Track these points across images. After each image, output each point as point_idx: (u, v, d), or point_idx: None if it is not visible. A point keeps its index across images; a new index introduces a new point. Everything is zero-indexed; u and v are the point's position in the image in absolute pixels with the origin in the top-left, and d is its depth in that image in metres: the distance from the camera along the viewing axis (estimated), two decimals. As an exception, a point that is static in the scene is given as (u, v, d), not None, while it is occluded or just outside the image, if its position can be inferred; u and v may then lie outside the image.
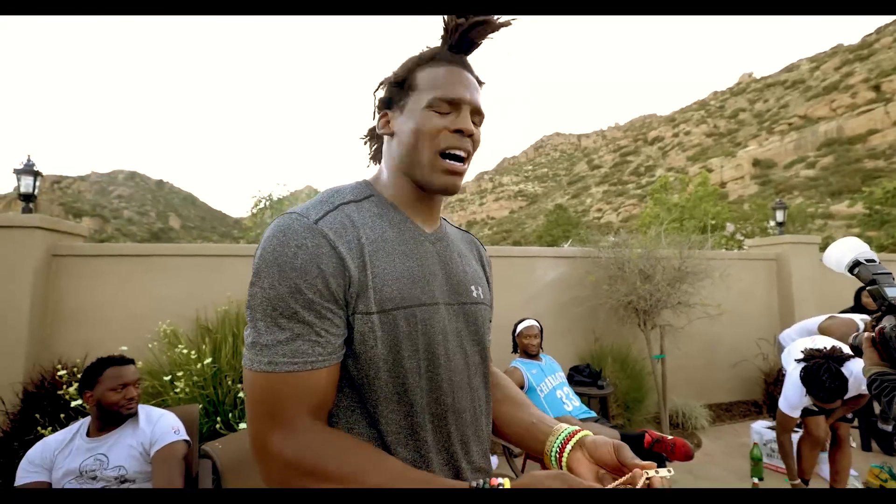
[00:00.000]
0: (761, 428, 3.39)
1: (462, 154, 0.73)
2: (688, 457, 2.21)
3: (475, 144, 0.77)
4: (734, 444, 3.72)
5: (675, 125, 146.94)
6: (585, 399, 3.43)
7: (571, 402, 2.62)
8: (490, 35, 0.77)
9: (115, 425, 1.67)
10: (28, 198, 3.78)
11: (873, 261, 1.32)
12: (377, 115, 0.80)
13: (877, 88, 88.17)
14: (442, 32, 0.76)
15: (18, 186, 3.80)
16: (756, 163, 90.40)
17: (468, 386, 0.76)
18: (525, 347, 2.87)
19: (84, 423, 1.70)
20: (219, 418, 2.59)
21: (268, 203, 8.86)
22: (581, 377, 3.42)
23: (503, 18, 0.75)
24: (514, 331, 2.99)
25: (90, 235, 4.08)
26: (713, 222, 17.41)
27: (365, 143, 0.89)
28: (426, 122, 0.72)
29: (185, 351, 2.72)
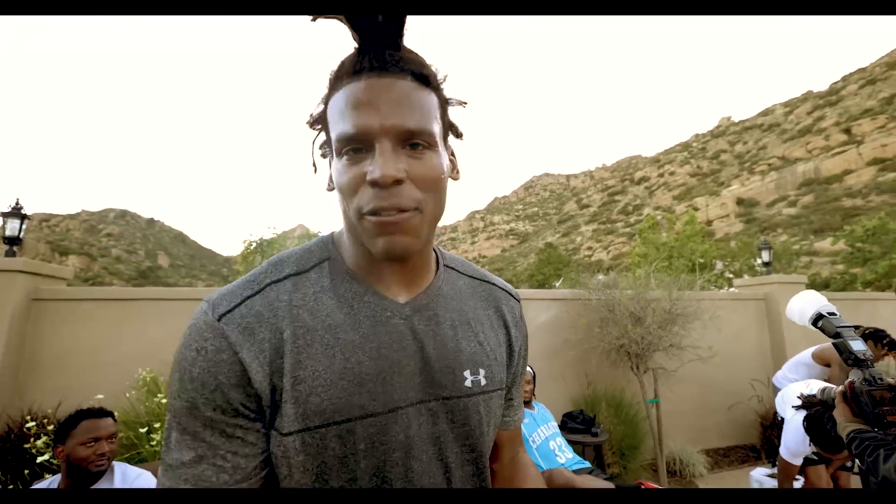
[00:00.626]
0: (761, 476, 3.30)
1: (392, 212, 0.51)
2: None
3: (427, 182, 0.53)
4: (734, 492, 3.60)
5: (660, 166, 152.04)
6: (579, 447, 3.32)
7: (564, 453, 2.54)
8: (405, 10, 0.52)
9: (85, 485, 1.56)
10: (13, 241, 3.73)
11: (834, 314, 1.36)
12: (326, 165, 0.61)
13: (847, 131, 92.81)
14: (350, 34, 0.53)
15: (4, 229, 3.76)
16: (740, 201, 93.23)
17: None
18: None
19: (53, 481, 1.60)
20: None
21: (258, 245, 8.83)
22: (574, 424, 3.33)
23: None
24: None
25: (76, 274, 4.01)
26: (702, 260, 17.67)
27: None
28: (339, 175, 0.53)
29: (164, 400, 2.61)
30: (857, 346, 1.26)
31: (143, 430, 2.50)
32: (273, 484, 0.55)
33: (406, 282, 0.61)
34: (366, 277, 0.59)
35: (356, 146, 0.51)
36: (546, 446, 2.52)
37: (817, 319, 1.38)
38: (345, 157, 0.53)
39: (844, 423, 1.29)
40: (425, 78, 0.54)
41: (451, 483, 0.59)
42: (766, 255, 5.97)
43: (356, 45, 0.53)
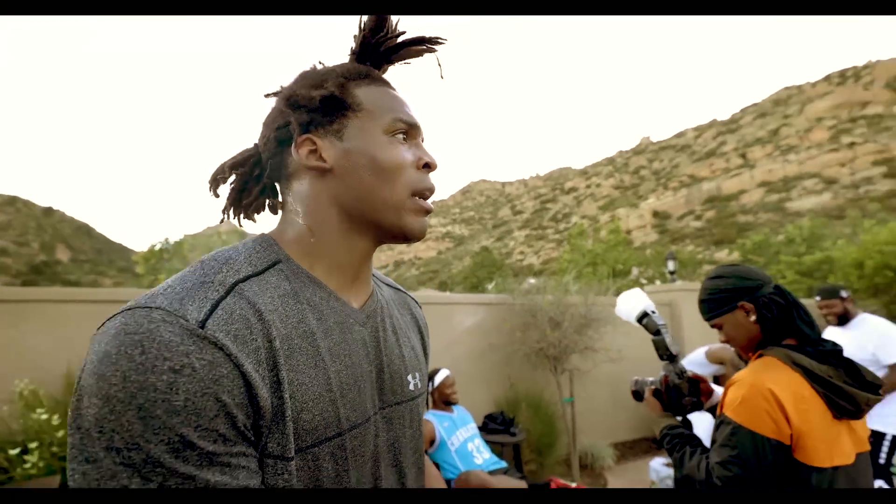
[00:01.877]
0: (658, 465, 3.63)
1: (430, 195, 0.59)
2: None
3: None
4: (636, 481, 3.94)
5: (587, 177, 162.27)
6: (498, 447, 3.45)
7: (482, 454, 2.63)
8: (410, 57, 0.64)
9: None
10: None
11: (654, 311, 1.43)
12: (293, 142, 0.55)
13: (743, 156, 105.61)
14: (357, 46, 0.61)
15: None
16: (655, 213, 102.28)
17: None
18: (446, 397, 2.85)
19: None
20: (82, 497, 2.21)
21: (164, 246, 8.14)
22: (495, 425, 3.46)
23: (432, 39, 0.62)
24: (429, 382, 2.96)
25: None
26: (621, 267, 19.15)
27: (223, 182, 0.61)
28: (393, 153, 0.55)
29: (44, 416, 2.33)
30: (671, 342, 1.38)
31: (14, 452, 2.20)
32: None
33: (358, 287, 0.60)
34: (326, 281, 0.56)
35: (405, 133, 0.58)
36: (465, 448, 2.59)
37: (643, 317, 1.43)
38: (395, 138, 0.57)
39: (657, 419, 1.39)
40: None
41: (403, 483, 0.60)
42: (671, 265, 6.62)
43: (371, 58, 0.62)
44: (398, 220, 0.56)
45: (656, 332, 1.38)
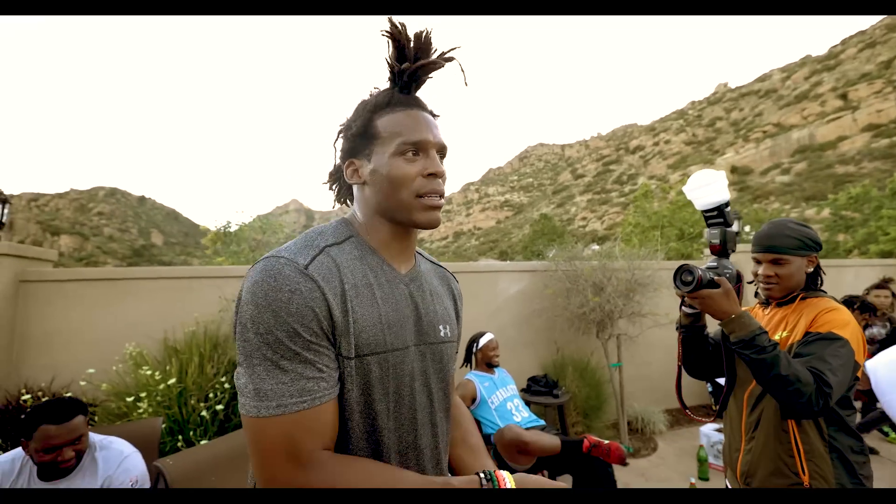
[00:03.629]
0: (709, 430, 3.58)
1: (438, 195, 0.78)
2: (621, 459, 2.38)
3: (445, 180, 0.82)
4: (687, 446, 3.90)
5: (655, 134, 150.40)
6: (542, 408, 3.58)
7: (521, 412, 2.77)
8: (434, 72, 0.81)
9: (62, 475, 1.51)
10: (-3, 225, 3.83)
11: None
12: (343, 164, 0.83)
13: (844, 97, 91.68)
14: (388, 75, 0.81)
15: (-13, 214, 3.85)
16: (734, 169, 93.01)
17: (430, 423, 0.81)
18: (488, 359, 3.02)
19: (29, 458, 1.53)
20: (181, 436, 2.67)
21: (227, 229, 8.91)
22: (538, 387, 3.58)
23: (448, 54, 0.80)
24: (473, 344, 3.13)
25: (69, 254, 4.13)
26: (691, 230, 17.90)
27: (329, 186, 0.92)
28: (398, 170, 0.76)
29: (149, 372, 2.81)
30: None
31: (130, 399, 2.70)
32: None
33: (405, 258, 0.84)
34: (381, 252, 0.81)
35: (415, 150, 0.77)
36: (504, 406, 2.75)
37: (725, 205, 1.38)
38: (402, 158, 0.77)
39: (732, 310, 1.26)
40: (436, 118, 0.85)
41: (432, 403, 0.82)
42: (736, 226, 6.14)
43: (397, 86, 0.81)
44: (409, 216, 0.78)
45: (728, 223, 1.39)
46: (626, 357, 4.23)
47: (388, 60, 0.79)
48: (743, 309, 1.28)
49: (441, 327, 0.85)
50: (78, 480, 1.53)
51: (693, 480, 2.83)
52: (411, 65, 0.78)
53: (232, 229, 8.93)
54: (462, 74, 0.82)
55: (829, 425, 1.29)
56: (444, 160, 0.83)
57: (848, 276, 6.34)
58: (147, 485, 1.65)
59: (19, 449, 1.56)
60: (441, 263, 1.01)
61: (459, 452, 0.93)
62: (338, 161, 0.86)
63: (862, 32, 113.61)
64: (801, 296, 1.43)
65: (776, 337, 1.41)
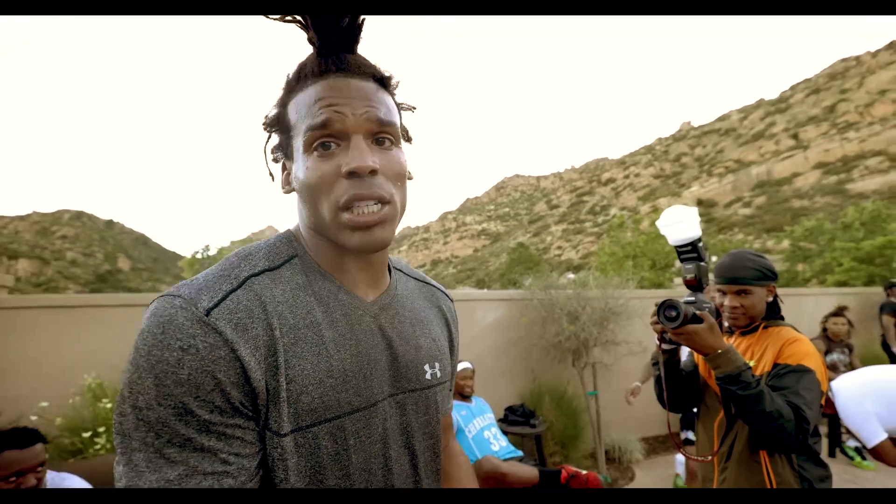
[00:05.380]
0: (684, 459, 3.61)
1: (373, 201, 0.54)
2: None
3: (394, 175, 0.56)
4: (664, 475, 3.91)
5: (625, 167, 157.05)
6: (519, 438, 3.55)
7: (498, 441, 2.74)
8: (362, 16, 0.56)
9: None
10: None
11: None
12: (279, 169, 0.63)
13: (795, 137, 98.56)
14: (306, 36, 0.57)
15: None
16: (700, 202, 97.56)
17: None
18: (460, 389, 3.00)
19: None
20: (141, 476, 2.52)
21: (204, 253, 8.73)
22: (515, 417, 3.56)
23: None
24: (449, 373, 3.10)
25: (26, 279, 3.93)
26: (664, 260, 18.50)
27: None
28: (310, 171, 0.54)
29: (109, 405, 2.66)
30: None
31: (87, 435, 2.54)
32: (266, 486, 0.52)
33: (370, 281, 0.63)
34: (335, 276, 0.59)
35: (326, 141, 0.53)
36: (481, 436, 2.72)
37: (698, 240, 1.41)
38: (315, 154, 0.54)
39: (716, 344, 1.27)
40: (384, 81, 0.59)
41: (416, 468, 0.63)
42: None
43: (314, 47, 0.56)
44: (336, 238, 0.56)
45: (702, 258, 1.41)
46: (601, 385, 4.26)
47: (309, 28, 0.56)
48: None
49: (427, 367, 0.66)
50: None
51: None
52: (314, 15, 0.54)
53: (212, 253, 8.72)
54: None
55: (798, 455, 1.33)
56: (396, 143, 0.58)
57: (808, 304, 6.64)
58: None
59: None
60: (430, 280, 0.80)
61: None
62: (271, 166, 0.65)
63: (807, 80, 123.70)
64: (763, 325, 1.50)
65: None
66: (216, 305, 0.49)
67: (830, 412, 2.68)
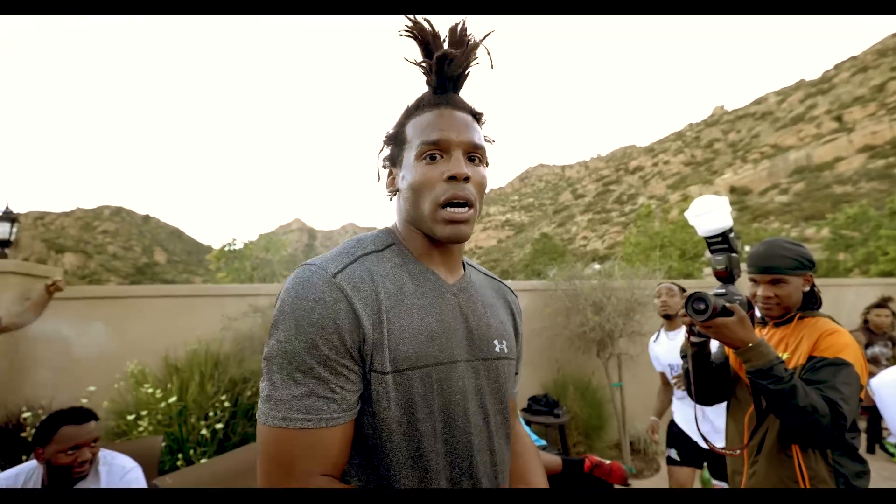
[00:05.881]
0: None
1: (461, 201, 0.70)
2: (623, 479, 2.36)
3: (478, 186, 0.73)
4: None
5: (654, 155, 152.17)
6: (543, 428, 3.56)
7: (521, 430, 2.76)
8: (468, 64, 0.76)
9: (67, 486, 1.55)
10: (4, 244, 3.89)
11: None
12: (385, 174, 0.81)
13: (839, 119, 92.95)
14: (431, 82, 0.76)
15: (-5, 233, 3.91)
16: (733, 189, 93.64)
17: (488, 449, 0.73)
18: None
19: (37, 470, 1.58)
20: (181, 455, 2.67)
21: (231, 246, 9.04)
22: (539, 406, 3.56)
23: (474, 40, 0.74)
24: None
25: (72, 271, 4.18)
26: (694, 250, 17.93)
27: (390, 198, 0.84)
28: (418, 174, 0.71)
29: (150, 390, 2.81)
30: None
31: (131, 418, 2.70)
32: (368, 419, 0.66)
33: (450, 268, 0.78)
34: (424, 261, 0.76)
35: (434, 153, 0.71)
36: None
37: (729, 231, 1.39)
38: (424, 161, 0.72)
39: (748, 338, 1.24)
40: (477, 116, 0.80)
41: (489, 427, 0.74)
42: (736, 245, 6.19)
43: (431, 87, 0.77)
44: (430, 229, 0.72)
45: (733, 249, 1.39)
46: (626, 377, 4.21)
47: (426, 65, 0.75)
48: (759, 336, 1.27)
49: (496, 342, 0.78)
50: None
51: None
52: (431, 60, 0.74)
53: (237, 246, 9.05)
54: (489, 58, 0.77)
55: (833, 450, 1.28)
56: (482, 163, 0.76)
57: (849, 295, 6.34)
58: None
59: (24, 465, 1.61)
60: (496, 276, 0.94)
61: (515, 469, 0.84)
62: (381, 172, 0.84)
63: (854, 58, 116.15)
64: (798, 315, 1.44)
65: None
66: (341, 271, 0.66)
67: (868, 405, 2.58)
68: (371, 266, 0.70)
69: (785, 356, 1.39)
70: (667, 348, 2.81)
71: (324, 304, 0.62)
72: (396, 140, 0.77)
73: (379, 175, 0.83)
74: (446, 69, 0.74)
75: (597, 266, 4.94)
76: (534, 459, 0.88)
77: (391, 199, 0.81)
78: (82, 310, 3.42)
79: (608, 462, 2.39)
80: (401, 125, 0.77)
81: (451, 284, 0.76)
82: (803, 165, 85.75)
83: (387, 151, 0.80)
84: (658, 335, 2.94)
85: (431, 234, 0.72)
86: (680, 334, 2.64)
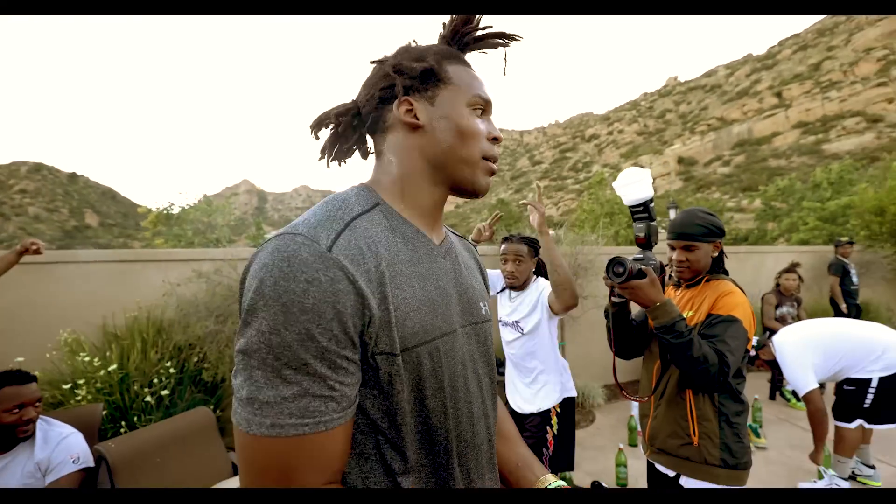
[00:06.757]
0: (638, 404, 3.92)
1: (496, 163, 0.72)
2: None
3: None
4: (623, 417, 4.25)
5: (609, 123, 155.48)
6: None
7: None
8: (484, 46, 0.75)
9: (6, 448, 1.58)
10: None
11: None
12: (396, 101, 0.68)
13: (779, 95, 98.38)
14: (446, 31, 0.74)
15: None
16: (680, 160, 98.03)
17: (483, 415, 0.71)
18: None
19: None
20: (124, 422, 2.62)
21: (168, 210, 8.50)
22: (486, 366, 3.76)
23: (510, 36, 0.74)
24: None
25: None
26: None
27: (325, 127, 0.74)
28: (473, 122, 0.69)
29: (87, 358, 2.71)
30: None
31: (66, 387, 2.60)
32: (376, 403, 0.59)
33: (436, 230, 0.73)
34: (415, 222, 0.69)
35: (483, 110, 0.71)
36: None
37: (650, 201, 1.54)
38: (476, 112, 0.70)
39: (657, 298, 1.41)
40: None
41: (482, 392, 0.72)
42: (671, 214, 6.62)
43: (457, 43, 0.74)
44: (472, 175, 0.69)
45: (652, 218, 1.54)
46: (569, 337, 4.50)
47: (453, 21, 0.73)
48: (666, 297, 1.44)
49: (481, 304, 0.77)
50: (22, 454, 1.59)
51: (621, 446, 3.11)
52: (476, 31, 0.73)
53: (174, 211, 8.51)
54: (505, 63, 0.77)
55: (720, 394, 1.50)
56: None
57: (769, 261, 6.99)
58: (90, 463, 1.67)
59: None
60: (461, 235, 0.91)
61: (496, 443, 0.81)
62: (358, 100, 0.73)
63: (796, 35, 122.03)
64: (706, 278, 1.63)
65: (684, 315, 1.60)
66: (335, 241, 0.55)
67: (770, 358, 2.95)
68: (364, 231, 0.60)
69: (689, 314, 1.58)
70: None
71: (319, 286, 0.51)
72: (429, 74, 0.69)
73: (350, 107, 0.73)
74: (475, 33, 0.73)
75: (552, 232, 5.12)
76: (510, 421, 0.88)
77: (398, 134, 0.70)
78: (6, 276, 3.17)
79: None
80: (437, 63, 0.69)
81: (438, 246, 0.71)
82: (745, 139, 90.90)
83: (400, 80, 0.69)
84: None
85: (469, 179, 0.69)
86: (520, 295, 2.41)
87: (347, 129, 0.74)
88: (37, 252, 2.35)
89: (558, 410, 2.22)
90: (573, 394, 2.30)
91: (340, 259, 0.54)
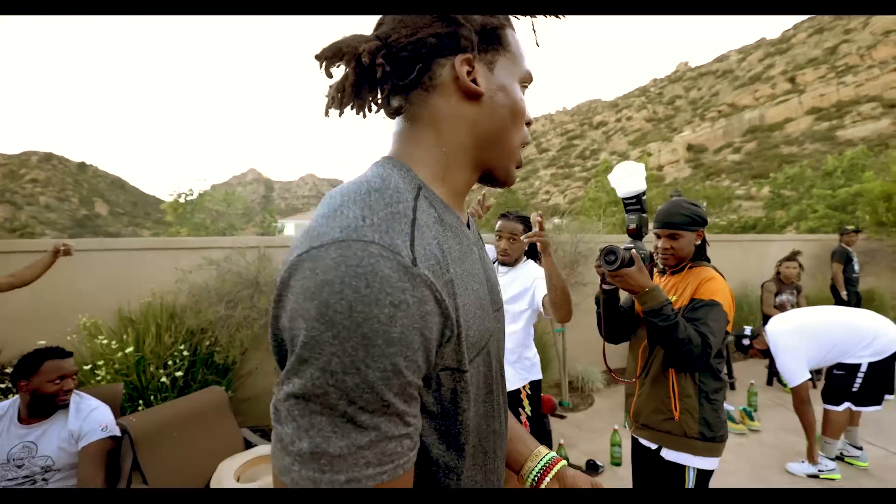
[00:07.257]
0: (637, 386, 4.02)
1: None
2: (552, 409, 2.70)
3: None
4: (620, 400, 4.36)
5: (618, 110, 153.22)
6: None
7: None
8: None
9: (46, 415, 1.74)
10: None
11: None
12: (456, 56, 0.54)
13: (792, 80, 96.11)
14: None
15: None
16: (690, 147, 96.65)
17: (503, 401, 0.65)
18: None
19: (14, 404, 1.74)
20: (141, 402, 2.78)
21: (187, 197, 8.61)
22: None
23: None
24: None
25: (0, 225, 3.96)
26: (649, 205, 18.70)
27: (342, 65, 0.54)
28: (523, 102, 0.59)
29: (105, 341, 2.85)
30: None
31: (87, 368, 2.75)
32: (443, 422, 0.51)
33: (463, 213, 0.63)
34: (452, 206, 0.58)
35: (526, 88, 0.62)
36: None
37: (643, 194, 1.62)
38: (523, 91, 0.61)
39: (646, 284, 1.48)
40: None
41: (502, 377, 0.65)
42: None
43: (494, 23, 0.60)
44: (508, 163, 0.60)
45: (644, 210, 1.62)
46: (568, 323, 4.59)
47: None
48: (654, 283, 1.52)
49: (499, 288, 0.69)
50: (57, 422, 1.74)
51: (616, 427, 3.22)
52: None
53: (193, 197, 8.64)
54: (534, 34, 0.62)
55: (701, 372, 1.59)
56: None
57: (773, 249, 6.99)
58: (116, 432, 1.82)
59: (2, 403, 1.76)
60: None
61: None
62: (391, 40, 0.53)
63: (812, 18, 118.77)
64: (689, 265, 1.72)
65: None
66: (414, 252, 0.44)
67: (764, 347, 3.03)
68: (428, 229, 0.48)
69: (674, 299, 1.67)
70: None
71: (407, 310, 0.41)
72: (493, 35, 0.56)
73: (416, 46, 0.53)
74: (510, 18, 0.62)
75: (556, 220, 5.18)
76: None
77: (449, 99, 0.55)
78: (20, 264, 3.32)
79: (556, 401, 2.72)
80: (501, 26, 0.57)
81: (469, 233, 0.60)
82: (756, 125, 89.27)
83: (470, 33, 0.54)
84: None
85: (501, 167, 0.60)
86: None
87: (371, 73, 0.54)
88: (67, 254, 2.53)
89: (528, 392, 2.31)
90: (539, 377, 2.40)
91: (427, 275, 0.43)
